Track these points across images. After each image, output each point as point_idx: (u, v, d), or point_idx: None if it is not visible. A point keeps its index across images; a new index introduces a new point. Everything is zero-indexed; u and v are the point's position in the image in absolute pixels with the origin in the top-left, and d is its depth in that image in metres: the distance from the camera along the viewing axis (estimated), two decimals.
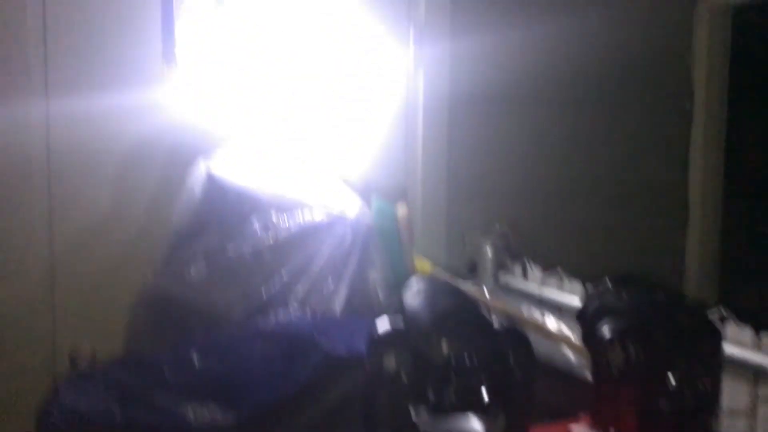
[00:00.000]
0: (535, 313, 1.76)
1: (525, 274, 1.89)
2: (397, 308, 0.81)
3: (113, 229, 1.65)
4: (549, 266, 1.84)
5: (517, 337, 0.80)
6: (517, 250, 1.97)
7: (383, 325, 0.77)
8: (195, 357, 1.26)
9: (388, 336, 0.76)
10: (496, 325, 0.79)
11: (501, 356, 0.76)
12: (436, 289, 0.84)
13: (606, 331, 0.89)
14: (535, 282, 1.84)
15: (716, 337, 0.86)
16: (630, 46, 2.26)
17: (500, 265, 1.96)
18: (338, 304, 1.48)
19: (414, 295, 0.81)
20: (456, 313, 0.79)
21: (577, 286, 1.69)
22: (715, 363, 0.85)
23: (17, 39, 1.51)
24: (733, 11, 2.35)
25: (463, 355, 0.73)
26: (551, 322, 1.72)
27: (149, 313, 1.46)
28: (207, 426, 1.23)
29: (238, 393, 1.25)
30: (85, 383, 1.24)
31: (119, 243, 1.65)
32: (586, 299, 0.99)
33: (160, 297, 1.43)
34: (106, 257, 1.65)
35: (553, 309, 1.74)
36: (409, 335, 0.76)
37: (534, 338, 1.65)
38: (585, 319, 0.97)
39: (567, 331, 1.67)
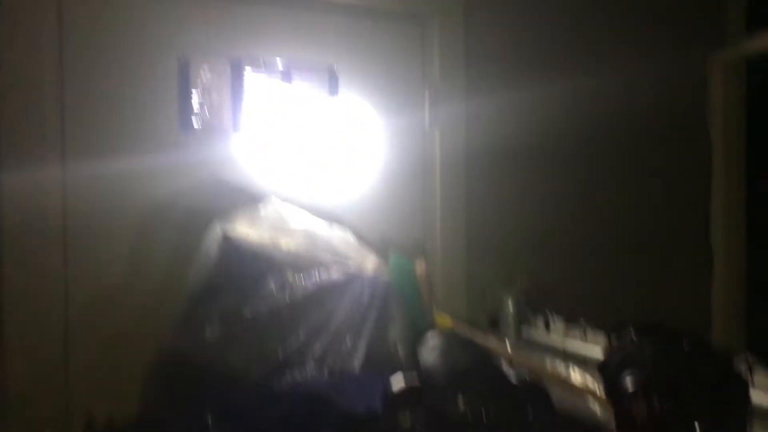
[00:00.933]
0: (559, 366, 1.72)
1: (547, 327, 1.86)
2: (412, 364, 0.79)
3: (129, 291, 1.67)
4: (572, 318, 1.81)
5: (536, 392, 0.77)
6: (539, 302, 1.94)
7: (398, 382, 0.75)
8: (211, 420, 1.24)
9: (403, 393, 0.74)
10: (514, 380, 0.77)
11: (519, 412, 0.73)
12: (453, 344, 0.82)
13: (629, 383, 0.86)
14: (558, 335, 1.80)
15: (742, 387, 0.82)
16: (646, 100, 2.28)
17: (522, 319, 1.93)
18: (357, 362, 1.45)
19: (430, 350, 0.79)
20: (472, 368, 0.77)
21: (601, 337, 1.65)
22: (741, 413, 0.81)
23: (34, 104, 1.56)
24: (747, 63, 2.37)
25: (480, 411, 0.70)
26: (575, 375, 1.67)
27: (165, 375, 1.44)
28: None
29: None
30: None
31: (135, 305, 1.67)
32: (609, 351, 0.96)
33: (176, 359, 1.42)
34: (121, 320, 1.66)
35: (577, 361, 1.70)
36: (425, 392, 0.74)
37: (558, 392, 1.62)
38: (608, 372, 0.94)
39: (591, 384, 1.62)
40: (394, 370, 1.26)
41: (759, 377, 1.27)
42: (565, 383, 1.67)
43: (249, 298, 1.44)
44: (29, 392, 1.55)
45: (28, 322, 1.56)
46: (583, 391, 1.64)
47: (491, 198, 2.07)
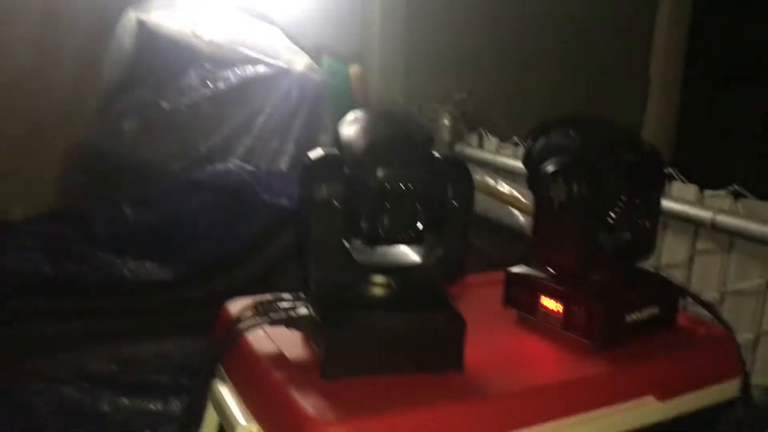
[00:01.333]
0: (488, 179, 1.74)
1: (481, 144, 1.85)
2: (332, 139, 0.74)
3: (38, 83, 1.53)
4: (504, 135, 1.80)
5: (457, 168, 0.75)
6: (474, 119, 1.92)
7: (316, 153, 0.71)
8: (128, 210, 1.20)
9: (319, 163, 0.70)
10: (438, 155, 0.73)
11: (439, 185, 0.71)
12: (376, 117, 0.77)
13: (549, 167, 0.84)
14: (490, 151, 1.81)
15: (659, 175, 0.82)
16: None
17: (456, 135, 1.91)
18: (284, 163, 1.42)
19: (350, 123, 0.74)
20: (394, 139, 0.73)
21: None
22: (656, 199, 0.81)
23: None
24: None
25: (398, 182, 0.67)
26: (503, 187, 1.70)
27: (81, 170, 1.38)
28: (144, 281, 1.19)
29: (176, 247, 1.20)
30: (9, 237, 1.16)
31: (46, 98, 1.54)
32: (533, 140, 0.93)
33: (92, 153, 1.35)
34: (30, 115, 1.53)
35: (507, 176, 1.72)
36: (343, 162, 0.70)
37: (486, 202, 1.65)
38: (531, 159, 0.92)
39: (518, 195, 1.65)
40: None
41: (677, 187, 1.32)
42: (493, 193, 1.70)
43: (167, 90, 1.35)
44: None
45: None
46: (508, 200, 1.68)
47: (433, 8, 1.96)
